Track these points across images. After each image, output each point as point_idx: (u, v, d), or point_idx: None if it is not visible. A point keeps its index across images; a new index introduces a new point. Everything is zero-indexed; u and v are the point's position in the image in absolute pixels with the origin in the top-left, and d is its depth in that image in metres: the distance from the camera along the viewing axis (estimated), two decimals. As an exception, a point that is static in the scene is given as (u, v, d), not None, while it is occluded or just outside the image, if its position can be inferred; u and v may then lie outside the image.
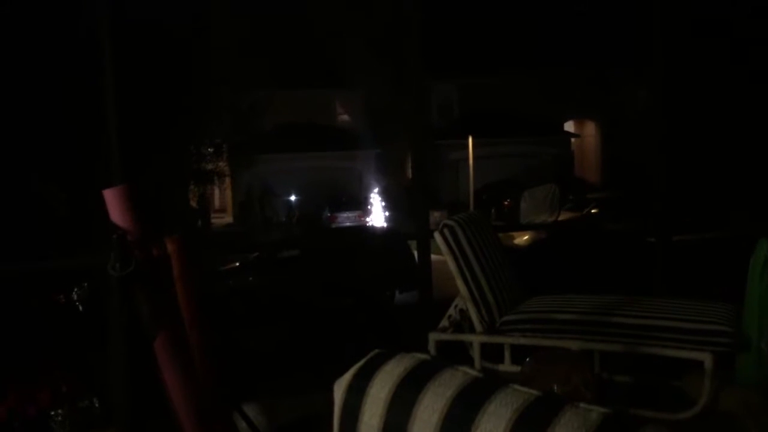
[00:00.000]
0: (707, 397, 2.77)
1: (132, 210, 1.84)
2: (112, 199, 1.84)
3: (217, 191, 30.19)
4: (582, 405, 0.93)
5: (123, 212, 1.83)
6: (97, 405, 2.71)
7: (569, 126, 30.12)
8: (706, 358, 2.82)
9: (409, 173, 25.74)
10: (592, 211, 14.87)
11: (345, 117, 30.04)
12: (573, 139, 29.75)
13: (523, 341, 3.23)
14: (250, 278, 11.26)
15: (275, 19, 23.14)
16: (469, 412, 0.94)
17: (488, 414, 0.92)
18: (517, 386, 0.99)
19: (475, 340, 3.30)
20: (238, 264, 11.77)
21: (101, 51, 2.63)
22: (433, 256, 4.13)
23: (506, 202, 20.71)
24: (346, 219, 24.38)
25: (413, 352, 1.11)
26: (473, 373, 1.02)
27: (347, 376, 1.09)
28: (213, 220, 27.33)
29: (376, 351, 1.12)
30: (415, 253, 5.16)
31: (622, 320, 3.10)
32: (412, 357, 1.07)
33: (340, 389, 1.09)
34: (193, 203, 22.77)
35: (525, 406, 0.92)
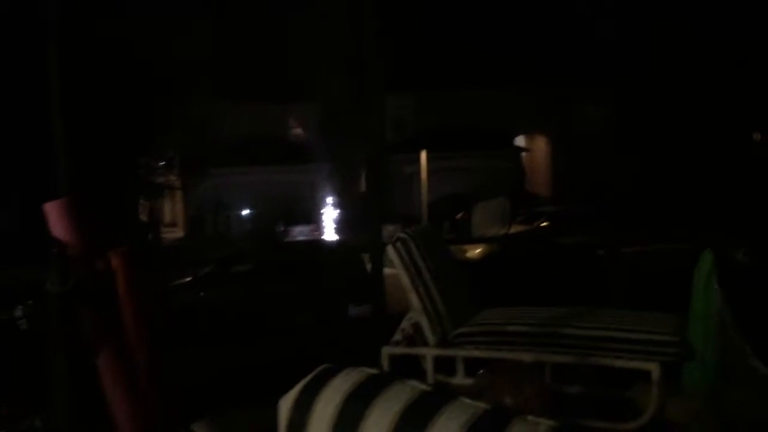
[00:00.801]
0: (655, 407, 2.81)
1: (75, 223, 1.78)
2: (53, 212, 1.78)
3: (168, 205, 29.69)
4: (530, 418, 0.92)
5: (65, 226, 1.76)
6: (39, 427, 2.61)
7: (520, 140, 30.60)
8: (654, 368, 2.87)
9: (363, 187, 25.76)
10: (543, 224, 15.07)
11: (299, 130, 29.94)
12: (524, 154, 30.21)
13: (476, 354, 3.24)
14: (202, 294, 11.07)
15: (228, 30, 22.96)
16: (416, 427, 0.92)
17: (436, 428, 0.91)
18: (466, 399, 0.98)
19: (428, 353, 3.30)
20: (189, 279, 11.57)
21: (47, 55, 2.55)
22: (387, 270, 4.13)
23: (459, 216, 20.86)
24: (299, 233, 24.24)
25: (363, 366, 1.08)
26: (422, 387, 1.00)
27: (293, 392, 1.06)
28: (164, 234, 26.83)
29: (324, 366, 1.10)
30: (368, 267, 5.14)
31: (572, 332, 3.13)
32: (360, 371, 1.05)
33: (285, 405, 1.05)
34: (143, 217, 22.34)
35: (473, 420, 0.91)
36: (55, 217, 1.78)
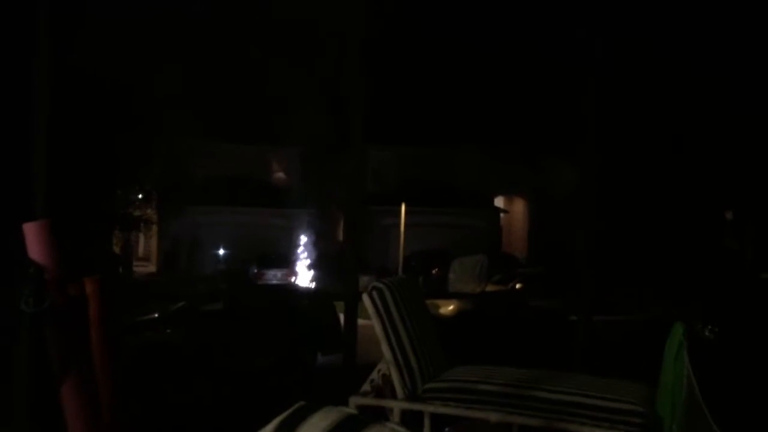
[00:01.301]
0: (620, 477, 2.79)
1: (52, 246, 1.76)
2: (32, 233, 1.76)
3: (142, 239, 29.41)
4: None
5: (43, 248, 1.75)
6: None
7: (499, 201, 30.92)
8: (620, 437, 2.86)
9: (341, 235, 25.76)
10: (517, 286, 15.13)
11: (281, 174, 30.03)
12: (502, 214, 30.49)
13: (443, 410, 3.21)
14: (168, 331, 10.88)
15: (216, 70, 23.18)
16: (394, 470, 0.91)
17: (413, 473, 0.89)
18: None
19: (396, 406, 3.26)
20: (156, 315, 11.38)
21: (37, 79, 2.56)
22: (361, 321, 4.11)
23: (434, 271, 20.88)
24: (273, 276, 24.07)
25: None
26: (401, 430, 0.99)
27: (269, 428, 1.04)
28: (135, 268, 26.51)
29: (301, 403, 1.08)
30: (341, 316, 5.10)
31: (541, 395, 3.12)
32: (339, 411, 1.03)
33: (260, 442, 1.03)
34: (117, 249, 22.09)
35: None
36: (33, 238, 1.76)
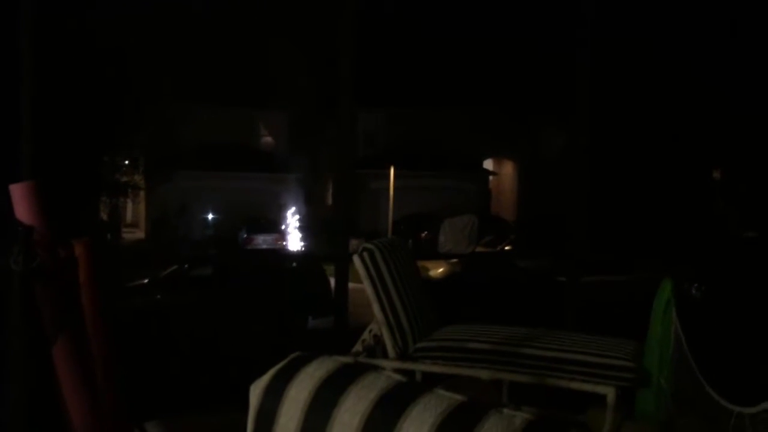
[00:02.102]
0: (609, 431, 2.84)
1: (40, 208, 1.74)
2: (19, 194, 1.74)
3: (130, 205, 29.25)
4: (506, 410, 0.93)
5: (30, 209, 1.73)
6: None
7: (488, 164, 30.89)
8: (609, 392, 2.90)
9: (330, 199, 25.76)
10: (506, 247, 15.22)
11: (269, 139, 29.84)
12: (491, 177, 30.51)
13: (434, 369, 3.24)
14: (159, 296, 10.91)
15: (204, 33, 22.85)
16: (391, 416, 0.92)
17: (411, 418, 0.90)
18: (441, 391, 0.98)
19: (387, 365, 3.28)
20: (146, 281, 11.40)
21: (21, 44, 2.52)
22: (351, 285, 4.11)
23: (424, 234, 20.94)
24: (262, 241, 24.07)
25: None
26: (397, 377, 1.00)
27: (265, 378, 1.04)
28: (124, 235, 26.43)
29: (297, 354, 1.08)
30: (331, 280, 5.11)
31: (531, 351, 3.15)
32: (334, 360, 1.04)
33: (256, 391, 1.04)
34: (104, 215, 21.98)
35: (449, 411, 0.90)
36: (20, 198, 1.74)
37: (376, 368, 1.04)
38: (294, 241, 24.79)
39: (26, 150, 2.47)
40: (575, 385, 3.00)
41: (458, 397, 0.97)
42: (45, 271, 1.68)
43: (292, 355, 1.09)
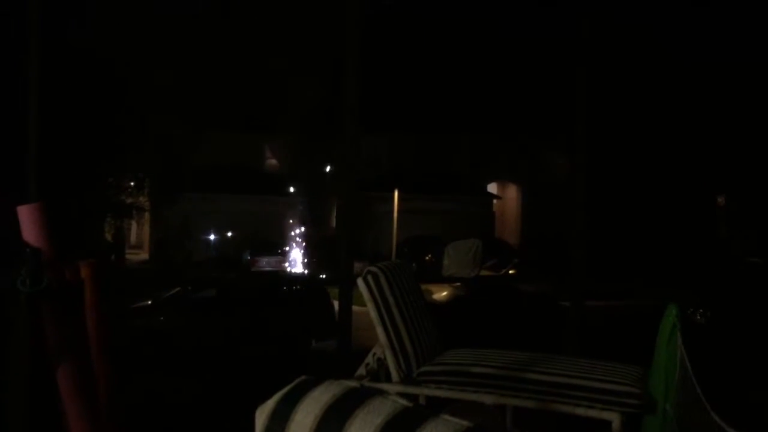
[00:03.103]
0: (614, 457, 2.81)
1: (47, 229, 1.75)
2: (26, 215, 1.75)
3: (134, 227, 29.31)
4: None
5: (37, 230, 1.74)
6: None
7: (492, 187, 30.94)
8: (615, 418, 2.88)
9: (334, 222, 25.78)
10: (510, 271, 15.19)
11: (273, 161, 29.97)
12: (495, 201, 30.53)
13: (438, 393, 3.22)
14: (162, 318, 10.88)
15: (211, 59, 23.06)
16: (397, 441, 0.91)
17: (418, 443, 0.90)
18: (447, 416, 0.97)
19: (391, 389, 3.27)
20: (150, 302, 11.38)
21: (28, 66, 2.55)
22: (355, 308, 4.11)
23: (428, 257, 20.92)
24: (266, 263, 24.07)
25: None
26: (403, 402, 0.99)
27: (270, 402, 1.04)
28: (128, 256, 26.45)
29: (303, 378, 1.08)
30: (335, 303, 5.10)
31: (535, 377, 3.14)
32: (340, 384, 1.04)
33: (262, 415, 1.03)
34: (109, 236, 22.01)
35: (455, 437, 0.90)
36: (27, 220, 1.75)
37: (382, 393, 1.04)
38: (298, 264, 24.79)
39: (32, 171, 2.49)
40: (580, 411, 2.98)
41: (464, 423, 0.96)
42: (52, 292, 1.69)
43: (298, 379, 1.09)
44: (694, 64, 19.08)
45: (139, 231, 30.30)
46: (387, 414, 0.96)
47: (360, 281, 3.37)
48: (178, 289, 11.41)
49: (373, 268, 3.41)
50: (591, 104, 4.67)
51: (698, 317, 9.23)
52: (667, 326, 2.96)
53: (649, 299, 10.29)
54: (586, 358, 3.50)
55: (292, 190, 27.01)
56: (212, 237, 26.85)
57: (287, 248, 25.76)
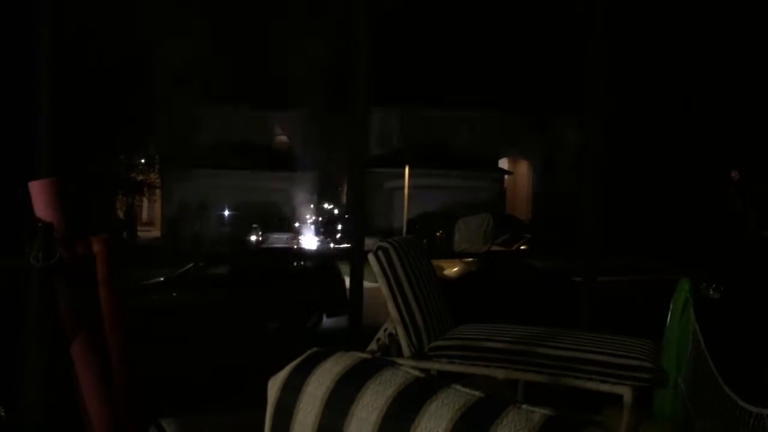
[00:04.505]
0: (626, 431, 2.82)
1: (59, 205, 1.75)
2: (38, 191, 1.76)
3: (145, 204, 29.46)
4: (524, 406, 0.92)
5: (49, 206, 1.74)
6: (2, 415, 2.55)
7: (503, 163, 30.81)
8: (626, 392, 2.88)
9: (344, 198, 25.78)
10: (522, 247, 15.17)
11: (283, 137, 29.93)
12: (506, 176, 30.42)
13: (449, 368, 3.23)
14: (174, 294, 10.96)
15: (220, 35, 22.96)
16: (409, 411, 0.91)
17: (429, 413, 0.90)
18: (459, 387, 0.97)
19: (403, 364, 3.28)
20: (162, 279, 11.46)
21: (39, 42, 2.53)
22: (366, 284, 4.11)
23: (439, 233, 20.94)
24: (277, 240, 24.15)
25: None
26: (415, 372, 0.99)
27: (283, 373, 1.04)
28: (140, 233, 26.61)
29: (314, 349, 1.08)
30: (347, 278, 5.10)
31: (547, 351, 3.13)
32: (351, 355, 1.04)
33: (274, 386, 1.04)
34: (120, 214, 22.15)
35: (467, 407, 0.90)
36: (39, 195, 1.76)
37: (393, 364, 1.04)
38: (308, 240, 24.86)
39: (44, 147, 2.49)
40: (592, 385, 2.98)
41: (476, 393, 0.96)
42: (64, 267, 1.69)
43: (310, 351, 1.09)
44: (709, 35, 18.82)
45: (150, 208, 30.45)
46: (399, 384, 0.96)
47: (371, 257, 3.37)
48: (190, 265, 11.47)
49: (384, 244, 3.40)
50: (603, 77, 4.61)
51: (711, 292, 9.20)
52: (679, 301, 2.95)
53: (661, 274, 10.26)
54: (597, 333, 3.50)
55: (302, 166, 27.01)
56: (224, 213, 26.94)
57: (298, 224, 25.82)
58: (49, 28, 2.71)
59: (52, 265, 1.64)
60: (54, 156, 2.48)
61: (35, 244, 1.63)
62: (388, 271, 3.33)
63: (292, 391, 1.02)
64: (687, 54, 19.23)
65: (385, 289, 3.33)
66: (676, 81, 19.32)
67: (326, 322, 10.84)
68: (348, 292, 5.10)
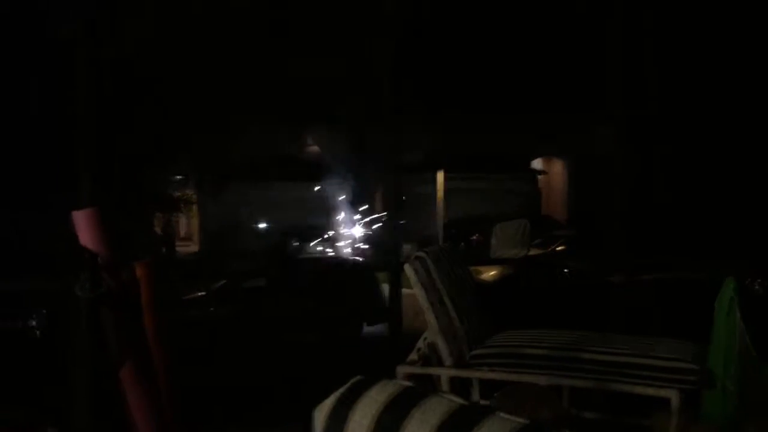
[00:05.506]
0: (674, 435, 2.77)
1: (102, 233, 1.79)
2: (82, 221, 1.80)
3: (183, 219, 29.85)
4: (568, 432, 0.92)
5: (93, 235, 1.78)
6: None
7: (537, 163, 30.55)
8: (673, 396, 2.84)
9: (379, 206, 25.83)
10: (558, 248, 15.00)
11: (315, 148, 30.11)
12: (540, 177, 30.15)
13: (491, 376, 3.22)
14: (212, 308, 11.08)
15: (248, 48, 23.19)
16: (453, 440, 0.92)
17: (473, 441, 0.90)
18: (503, 414, 0.97)
19: (444, 373, 3.28)
20: (202, 293, 11.58)
21: (76, 70, 2.60)
22: (404, 290, 4.13)
23: (475, 237, 20.82)
24: (313, 249, 24.25)
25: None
26: (459, 401, 0.99)
27: (328, 402, 1.05)
28: (178, 248, 26.94)
29: (358, 378, 1.09)
30: (385, 287, 5.13)
31: (590, 356, 3.11)
32: (395, 384, 1.04)
33: (321, 415, 1.05)
34: (158, 230, 22.47)
35: (512, 436, 0.90)
36: (83, 225, 1.80)
37: (436, 392, 1.04)
38: (345, 248, 24.92)
39: (85, 176, 2.55)
40: (638, 390, 2.95)
41: (521, 421, 0.96)
42: (110, 295, 1.73)
43: (354, 379, 1.10)
44: (758, 32, 18.38)
45: (188, 223, 30.85)
46: (443, 413, 0.96)
47: (407, 267, 3.38)
48: (224, 281, 11.58)
49: (420, 254, 3.41)
50: (639, 73, 4.57)
51: (756, 287, 8.99)
52: (724, 301, 2.90)
53: (703, 271, 10.06)
54: (639, 336, 3.46)
55: (334, 174, 27.11)
56: (260, 225, 27.15)
57: (333, 233, 25.91)
58: (84, 53, 2.78)
59: (99, 295, 1.68)
60: (94, 184, 2.54)
61: (82, 275, 1.67)
62: (425, 281, 3.34)
63: (337, 420, 1.02)
64: (733, 49, 18.85)
65: (422, 299, 3.34)
66: (722, 75, 18.94)
67: (366, 329, 10.85)
68: (386, 300, 5.11)
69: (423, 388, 1.08)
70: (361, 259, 21.19)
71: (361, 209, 26.55)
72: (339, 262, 19.29)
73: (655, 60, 16.00)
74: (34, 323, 6.84)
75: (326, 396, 1.16)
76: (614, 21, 4.46)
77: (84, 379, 1.82)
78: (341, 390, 1.08)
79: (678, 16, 17.94)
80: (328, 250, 24.59)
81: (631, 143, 4.73)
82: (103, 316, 1.73)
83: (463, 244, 19.99)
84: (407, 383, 1.09)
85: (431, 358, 3.42)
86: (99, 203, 1.97)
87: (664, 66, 17.45)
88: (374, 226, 23.60)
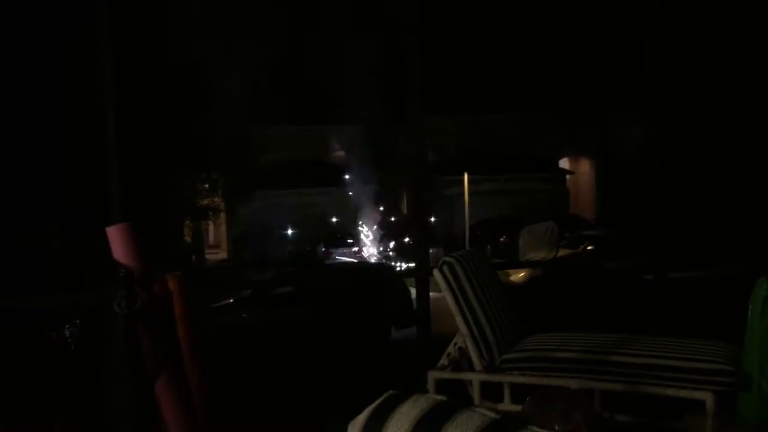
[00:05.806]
0: (709, 437, 2.74)
1: (135, 247, 1.83)
2: (115, 236, 1.83)
3: (211, 227, 30.13)
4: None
5: (126, 249, 1.81)
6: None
7: (564, 163, 30.33)
8: (708, 398, 2.81)
9: (405, 209, 25.81)
10: (588, 248, 14.88)
11: (341, 153, 30.20)
12: (568, 176, 29.93)
13: (522, 380, 3.21)
14: (244, 315, 11.17)
15: (271, 53, 23.36)
16: (486, 455, 0.92)
17: (505, 457, 0.91)
18: (536, 429, 0.97)
19: (475, 378, 3.28)
20: (232, 301, 11.69)
21: (105, 87, 2.65)
22: (432, 294, 4.13)
23: (503, 239, 20.74)
24: (341, 254, 24.35)
25: (418, 391, 1.09)
26: (491, 414, 1.00)
27: (362, 418, 1.06)
28: (207, 256, 27.21)
29: (390, 392, 1.10)
30: (412, 290, 5.13)
31: (622, 359, 3.08)
32: (427, 398, 1.05)
33: (354, 430, 1.06)
34: (188, 238, 22.72)
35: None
36: (116, 240, 1.83)
37: (469, 406, 1.05)
38: (372, 253, 24.97)
39: (116, 190, 2.59)
40: (671, 392, 2.92)
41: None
42: (145, 310, 1.76)
43: (387, 394, 1.11)
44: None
45: (216, 231, 31.12)
46: (475, 427, 0.97)
47: (436, 272, 3.38)
48: (255, 287, 11.68)
49: (448, 258, 3.41)
50: (666, 70, 4.52)
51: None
52: (758, 301, 2.85)
53: (735, 269, 9.90)
54: (672, 337, 3.41)
55: (360, 179, 27.17)
56: (287, 231, 27.31)
57: (361, 239, 25.96)
58: (112, 65, 2.82)
59: (134, 311, 1.71)
60: (126, 198, 2.58)
61: (118, 292, 1.71)
62: (454, 286, 3.34)
63: None
64: (754, 41, 18.54)
65: (452, 304, 3.34)
66: (751, 72, 18.64)
67: (395, 334, 10.86)
68: (414, 303, 5.11)
69: (455, 401, 1.09)
70: (388, 263, 21.22)
71: (387, 213, 26.60)
72: (367, 266, 19.36)
73: (691, 57, 15.81)
74: (68, 334, 6.94)
75: (359, 405, 1.17)
76: (652, 13, 4.42)
77: (121, 393, 1.86)
78: (374, 405, 1.09)
79: (718, 12, 17.70)
80: (355, 254, 24.68)
81: (666, 142, 4.68)
82: (139, 331, 1.76)
83: (489, 246, 19.92)
84: (440, 397, 1.10)
85: (462, 362, 3.42)
86: (131, 217, 2.01)
87: (701, 64, 17.22)
88: (401, 230, 23.59)
